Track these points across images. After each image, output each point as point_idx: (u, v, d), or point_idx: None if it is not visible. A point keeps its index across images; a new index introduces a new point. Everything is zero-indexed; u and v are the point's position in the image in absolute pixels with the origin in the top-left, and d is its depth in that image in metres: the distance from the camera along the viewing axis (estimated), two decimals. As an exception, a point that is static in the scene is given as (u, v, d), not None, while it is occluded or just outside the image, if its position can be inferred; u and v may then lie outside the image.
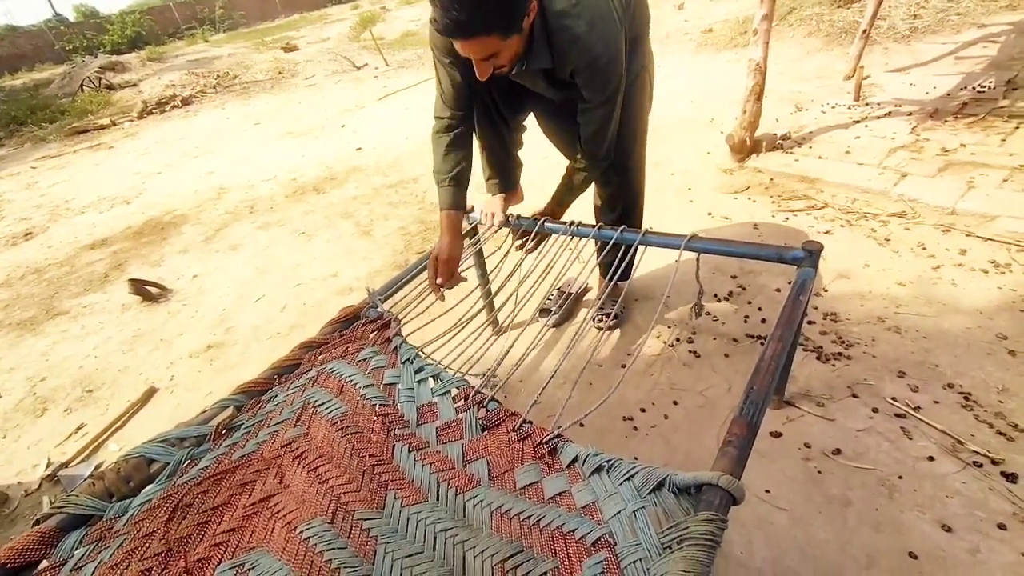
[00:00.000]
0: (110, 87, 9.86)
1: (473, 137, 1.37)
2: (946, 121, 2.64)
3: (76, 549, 0.75)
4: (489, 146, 1.51)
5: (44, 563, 0.74)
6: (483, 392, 0.94)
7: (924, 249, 1.85)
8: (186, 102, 8.16)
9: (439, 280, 1.32)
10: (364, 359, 1.08)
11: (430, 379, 1.01)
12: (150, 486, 0.85)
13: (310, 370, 1.07)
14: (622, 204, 1.55)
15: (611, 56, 1.11)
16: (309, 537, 0.72)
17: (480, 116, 1.42)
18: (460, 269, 1.39)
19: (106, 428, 1.81)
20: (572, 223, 1.36)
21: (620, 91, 1.19)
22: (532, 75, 1.22)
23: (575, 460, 0.78)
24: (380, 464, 0.83)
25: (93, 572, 0.71)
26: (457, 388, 0.97)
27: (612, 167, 1.41)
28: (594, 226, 1.34)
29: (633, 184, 1.54)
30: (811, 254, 1.03)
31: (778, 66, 3.87)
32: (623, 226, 1.30)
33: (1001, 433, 1.20)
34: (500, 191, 1.57)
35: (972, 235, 1.86)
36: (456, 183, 1.33)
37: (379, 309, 1.21)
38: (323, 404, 0.95)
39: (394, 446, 0.87)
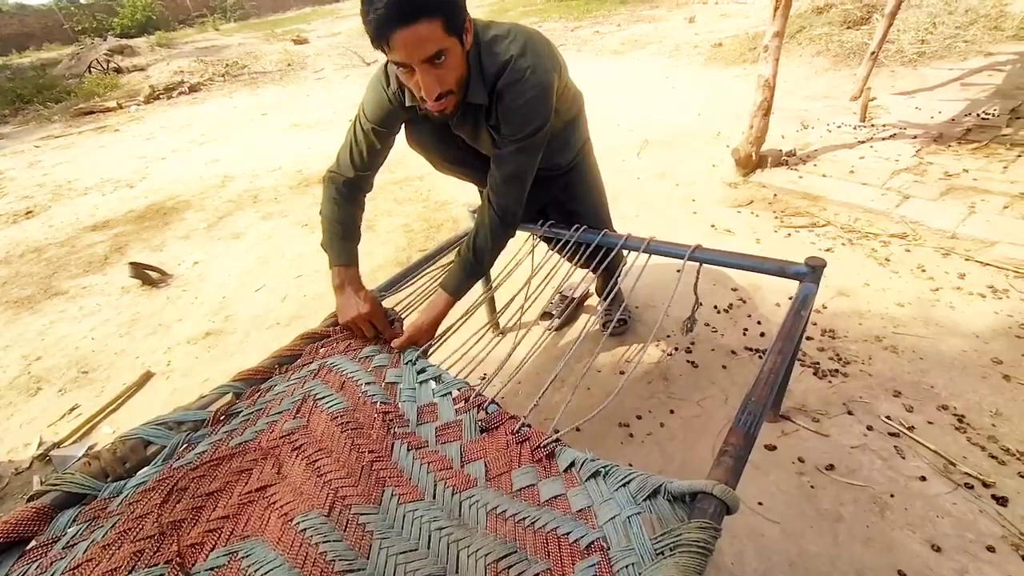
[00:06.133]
0: (118, 70, 9.86)
1: (364, 200, 1.26)
2: (950, 146, 2.66)
3: (69, 527, 0.75)
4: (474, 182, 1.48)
5: (34, 541, 0.73)
6: (483, 395, 0.95)
7: (924, 271, 1.86)
8: (194, 89, 8.16)
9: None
10: (366, 356, 1.08)
11: (432, 381, 1.01)
12: (146, 468, 0.85)
13: (311, 363, 1.07)
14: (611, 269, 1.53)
15: (539, 92, 1.02)
16: (305, 529, 0.72)
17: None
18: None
19: (100, 410, 1.80)
20: (577, 228, 1.37)
21: (538, 142, 1.09)
22: (472, 125, 1.15)
23: (572, 464, 0.79)
24: (379, 460, 0.84)
25: (85, 551, 0.71)
26: (458, 390, 0.97)
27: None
28: (599, 233, 1.35)
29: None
30: (814, 270, 1.04)
31: (786, 84, 3.90)
32: (628, 233, 1.31)
33: (993, 456, 1.21)
34: None
35: (971, 259, 1.87)
36: (349, 238, 1.21)
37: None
38: (324, 398, 0.95)
39: (393, 444, 0.87)
